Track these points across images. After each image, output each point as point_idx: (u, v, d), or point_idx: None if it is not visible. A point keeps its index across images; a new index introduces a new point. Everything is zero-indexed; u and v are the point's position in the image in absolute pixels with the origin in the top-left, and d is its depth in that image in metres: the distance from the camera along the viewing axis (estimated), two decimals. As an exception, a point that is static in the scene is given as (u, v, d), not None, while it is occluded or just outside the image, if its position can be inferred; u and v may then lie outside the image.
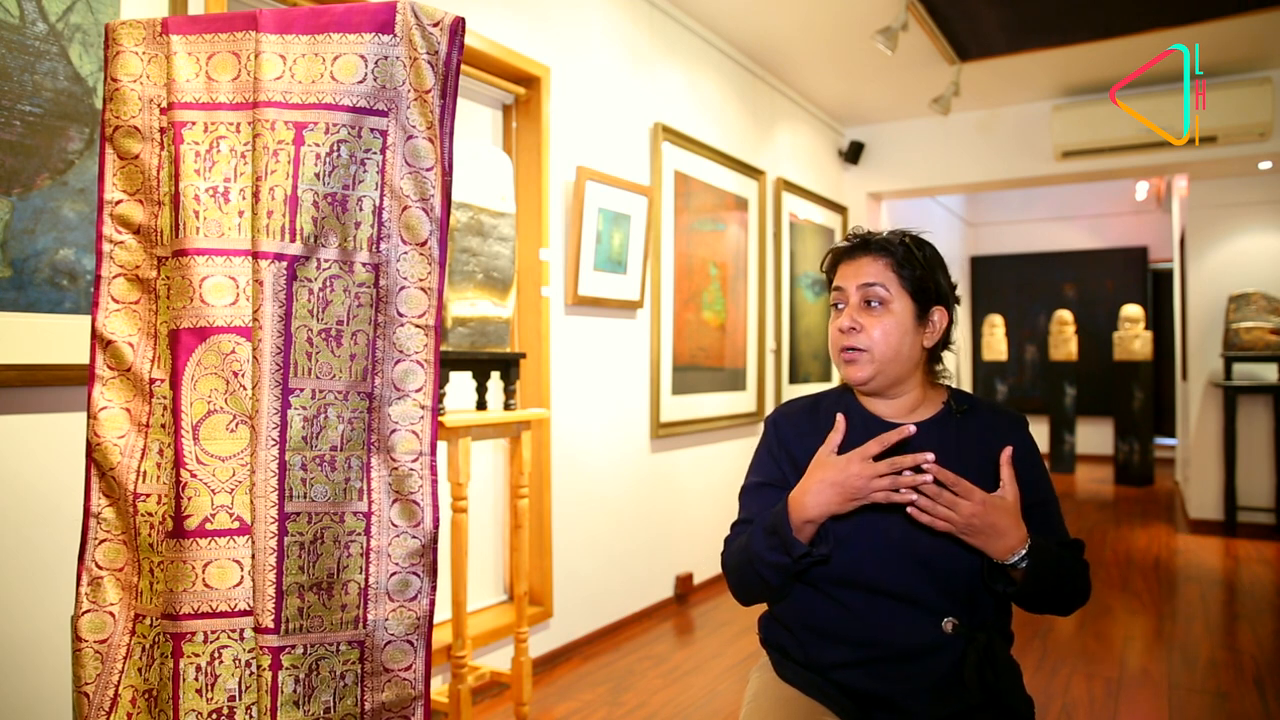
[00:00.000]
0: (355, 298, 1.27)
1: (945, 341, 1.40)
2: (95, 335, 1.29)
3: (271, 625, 1.20)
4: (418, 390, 1.31)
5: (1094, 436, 9.22)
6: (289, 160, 1.23)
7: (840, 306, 1.38)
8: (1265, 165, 5.19)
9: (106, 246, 1.30)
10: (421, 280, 1.31)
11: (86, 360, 1.72)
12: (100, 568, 1.27)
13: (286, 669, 1.21)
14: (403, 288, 1.30)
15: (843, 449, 1.36)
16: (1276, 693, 2.89)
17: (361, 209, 1.27)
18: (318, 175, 1.24)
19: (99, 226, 1.29)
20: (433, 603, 1.32)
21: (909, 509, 1.22)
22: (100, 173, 1.30)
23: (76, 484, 1.70)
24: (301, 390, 1.24)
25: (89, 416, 1.27)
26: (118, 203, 1.30)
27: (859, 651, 1.30)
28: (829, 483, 1.24)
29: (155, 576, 1.24)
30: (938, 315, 1.36)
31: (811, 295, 5.51)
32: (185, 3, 1.96)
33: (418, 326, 1.31)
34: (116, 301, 1.30)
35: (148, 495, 1.25)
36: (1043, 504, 1.36)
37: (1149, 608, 3.93)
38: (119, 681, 1.24)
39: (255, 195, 1.24)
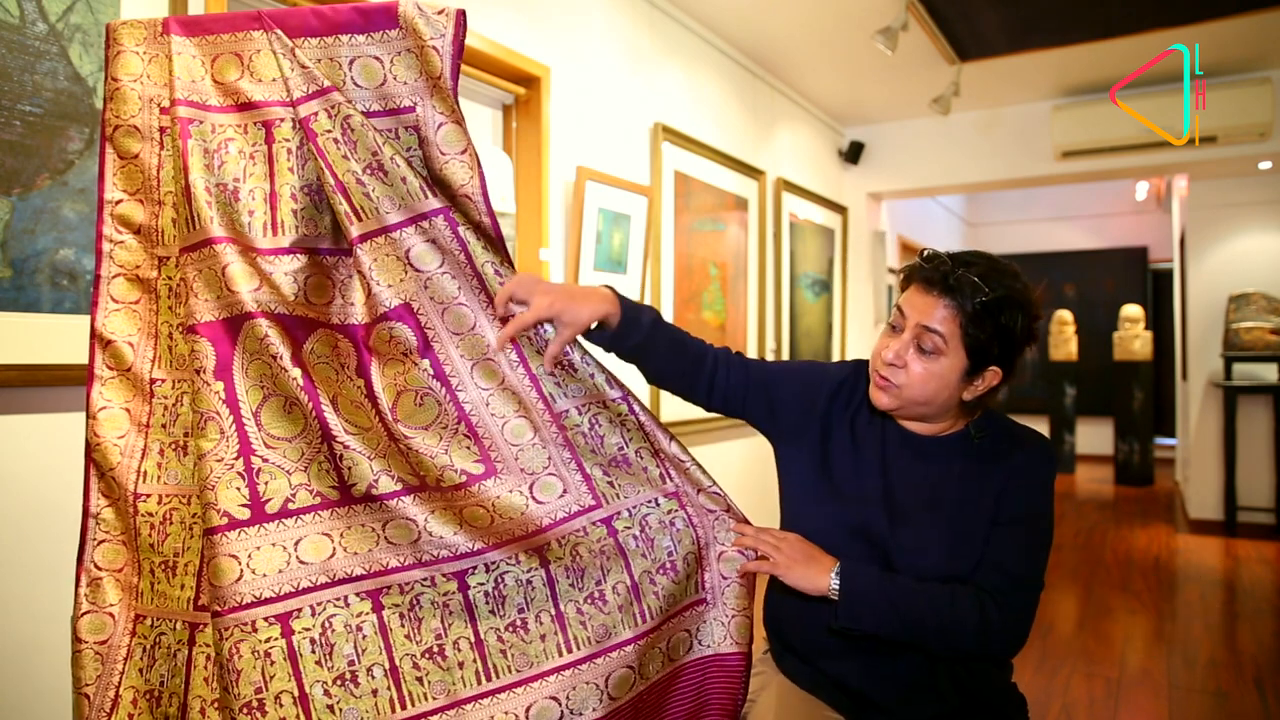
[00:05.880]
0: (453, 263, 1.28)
1: (990, 395, 1.32)
2: (95, 335, 1.28)
3: (592, 502, 1.27)
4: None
5: (1094, 436, 9.21)
6: (310, 154, 1.24)
7: (896, 329, 1.30)
8: (1265, 165, 5.19)
9: (106, 246, 1.29)
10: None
11: (86, 360, 1.72)
12: (99, 568, 1.26)
13: (474, 588, 1.22)
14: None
15: (861, 451, 1.37)
16: (1276, 693, 2.89)
17: (406, 183, 1.25)
18: (345, 156, 1.23)
19: (99, 226, 1.29)
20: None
21: (741, 570, 1.31)
22: (100, 172, 1.29)
23: (76, 484, 1.69)
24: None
25: (88, 416, 1.27)
26: (118, 202, 1.29)
27: (842, 641, 1.30)
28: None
29: (156, 577, 1.24)
30: (990, 374, 1.28)
31: (811, 295, 5.51)
32: (185, 3, 1.95)
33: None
34: (116, 301, 1.29)
35: (148, 495, 1.25)
36: (1010, 523, 1.28)
37: (1149, 608, 3.93)
38: (119, 683, 1.24)
39: (272, 195, 1.24)
